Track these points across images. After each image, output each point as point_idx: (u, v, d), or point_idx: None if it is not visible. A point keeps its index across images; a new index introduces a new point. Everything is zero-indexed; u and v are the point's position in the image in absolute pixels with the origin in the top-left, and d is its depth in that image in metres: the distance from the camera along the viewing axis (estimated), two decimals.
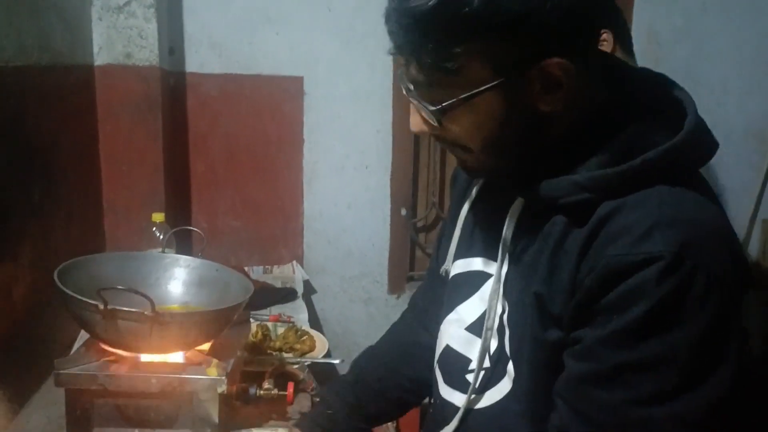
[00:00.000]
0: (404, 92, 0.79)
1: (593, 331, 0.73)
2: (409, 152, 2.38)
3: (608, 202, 0.73)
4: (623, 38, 1.70)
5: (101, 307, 1.01)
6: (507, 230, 0.84)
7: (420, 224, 2.52)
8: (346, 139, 2.30)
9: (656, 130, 0.75)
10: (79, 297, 1.04)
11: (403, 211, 2.40)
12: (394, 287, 2.46)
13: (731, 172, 2.55)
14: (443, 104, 0.74)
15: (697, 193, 0.75)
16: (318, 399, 1.17)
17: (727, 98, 2.49)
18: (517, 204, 0.83)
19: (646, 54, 2.37)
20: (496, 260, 0.86)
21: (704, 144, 0.78)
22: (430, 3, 0.68)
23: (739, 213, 2.58)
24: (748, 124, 2.52)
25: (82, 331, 1.31)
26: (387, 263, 2.43)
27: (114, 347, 1.11)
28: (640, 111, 0.77)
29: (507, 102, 0.73)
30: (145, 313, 1.01)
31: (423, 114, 0.78)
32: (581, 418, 0.74)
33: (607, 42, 1.61)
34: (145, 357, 1.12)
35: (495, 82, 0.71)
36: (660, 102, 0.79)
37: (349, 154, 2.32)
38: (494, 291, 0.86)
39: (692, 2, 2.39)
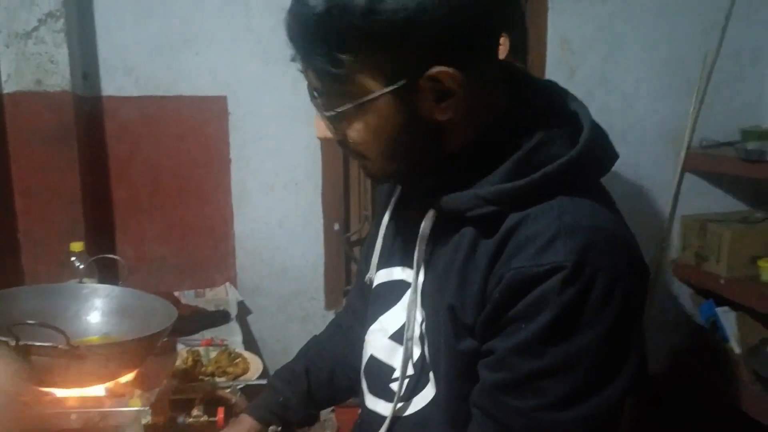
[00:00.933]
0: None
1: (503, 341, 0.74)
2: (338, 167, 2.38)
3: (514, 214, 0.75)
4: (519, 44, 1.73)
5: (12, 343, 0.97)
6: (420, 240, 0.85)
7: (354, 238, 2.53)
8: (274, 157, 2.29)
9: (555, 142, 0.77)
10: None
11: (336, 226, 2.40)
12: (331, 303, 2.45)
13: (648, 171, 2.66)
14: (336, 110, 0.76)
15: (597, 201, 0.78)
16: (267, 387, 1.16)
17: (640, 101, 2.60)
18: (430, 215, 0.84)
19: (561, 62, 2.46)
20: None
21: (602, 155, 0.81)
22: (316, 10, 0.70)
23: (658, 211, 2.69)
24: (662, 125, 2.64)
25: None
26: (323, 279, 2.43)
27: (31, 384, 1.07)
28: (540, 122, 0.79)
29: (400, 110, 0.75)
30: (60, 347, 0.98)
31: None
32: (497, 426, 0.76)
33: (503, 46, 1.64)
34: (64, 392, 1.08)
35: (384, 91, 0.73)
36: (558, 114, 0.81)
37: (278, 171, 2.31)
38: (412, 301, 0.87)
39: (601, 11, 2.49)
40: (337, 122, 0.78)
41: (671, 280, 2.78)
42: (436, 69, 0.71)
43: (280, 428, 1.09)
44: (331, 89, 0.75)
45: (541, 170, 0.75)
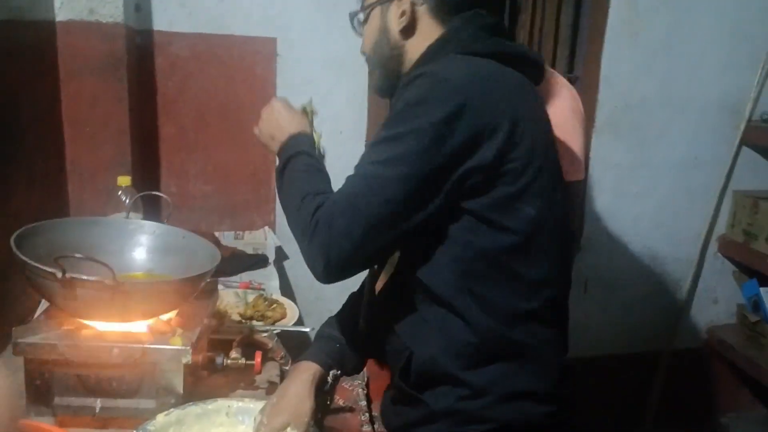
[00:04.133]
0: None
1: None
2: (384, 117, 2.33)
3: None
4: None
5: (59, 275, 0.98)
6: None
7: None
8: (320, 104, 2.18)
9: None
10: (36, 264, 1.00)
11: None
12: None
13: (706, 142, 2.56)
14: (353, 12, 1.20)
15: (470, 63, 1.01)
16: (319, 336, 1.23)
17: (704, 71, 2.48)
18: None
19: (625, 23, 2.35)
20: None
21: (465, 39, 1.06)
22: None
23: (711, 183, 2.60)
24: (723, 97, 2.52)
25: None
26: None
27: (75, 316, 1.08)
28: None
29: (381, 17, 1.13)
30: (106, 282, 0.98)
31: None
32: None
33: None
34: (107, 326, 1.10)
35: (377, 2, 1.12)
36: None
37: (322, 119, 2.24)
38: None
39: None
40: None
41: (716, 255, 2.71)
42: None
43: (339, 372, 1.12)
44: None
45: (438, 38, 1.07)
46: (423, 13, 1.09)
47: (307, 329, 1.56)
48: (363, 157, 0.99)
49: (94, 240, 1.22)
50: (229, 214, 2.27)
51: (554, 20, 2.32)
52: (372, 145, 0.97)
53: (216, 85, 2.14)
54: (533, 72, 1.09)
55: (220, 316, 1.51)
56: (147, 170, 2.09)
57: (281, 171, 1.09)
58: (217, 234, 2.18)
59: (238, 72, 2.15)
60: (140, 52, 1.99)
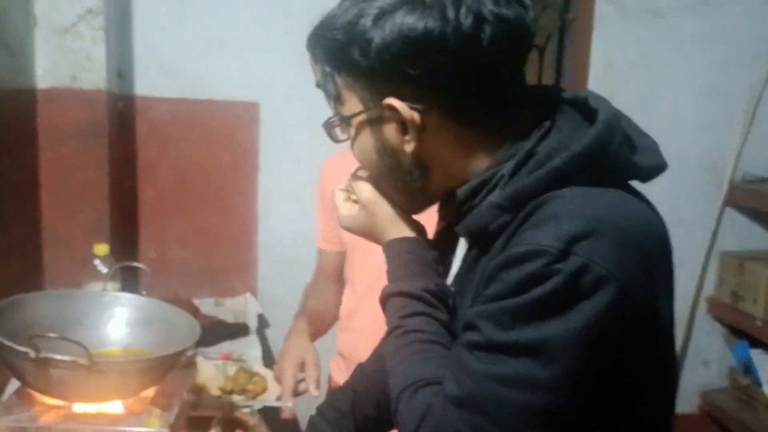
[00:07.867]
0: None
1: (479, 306, 0.71)
2: None
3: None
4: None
5: (32, 355, 0.93)
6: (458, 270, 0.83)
7: None
8: (303, 167, 2.23)
9: (563, 131, 0.75)
10: (9, 343, 0.95)
11: None
12: None
13: (687, 203, 2.57)
14: (330, 119, 0.82)
15: (617, 197, 0.72)
16: (311, 427, 1.07)
17: (682, 130, 2.51)
18: (461, 244, 0.83)
19: (603, 84, 2.39)
20: None
21: (619, 155, 0.73)
22: (323, 29, 0.77)
23: (694, 245, 2.60)
24: (702, 156, 2.55)
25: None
26: None
27: (47, 396, 1.02)
28: (549, 129, 0.75)
29: (374, 135, 0.79)
30: (80, 361, 0.93)
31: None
32: (452, 381, 0.71)
33: None
34: (80, 406, 1.03)
35: (359, 112, 0.78)
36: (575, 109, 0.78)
37: (305, 182, 2.25)
38: None
39: (646, 35, 2.42)
40: (329, 130, 0.84)
41: (705, 317, 2.69)
42: (390, 100, 0.74)
43: None
44: (334, 105, 0.82)
45: (547, 165, 0.71)
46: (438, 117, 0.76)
47: (289, 404, 1.49)
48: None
49: (69, 314, 1.16)
50: (209, 279, 2.22)
51: (536, 83, 2.36)
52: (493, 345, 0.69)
53: (197, 149, 2.12)
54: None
55: (198, 390, 1.44)
56: (125, 236, 2.05)
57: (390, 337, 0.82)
58: (196, 301, 2.12)
59: (219, 136, 2.14)
60: (121, 118, 1.98)
